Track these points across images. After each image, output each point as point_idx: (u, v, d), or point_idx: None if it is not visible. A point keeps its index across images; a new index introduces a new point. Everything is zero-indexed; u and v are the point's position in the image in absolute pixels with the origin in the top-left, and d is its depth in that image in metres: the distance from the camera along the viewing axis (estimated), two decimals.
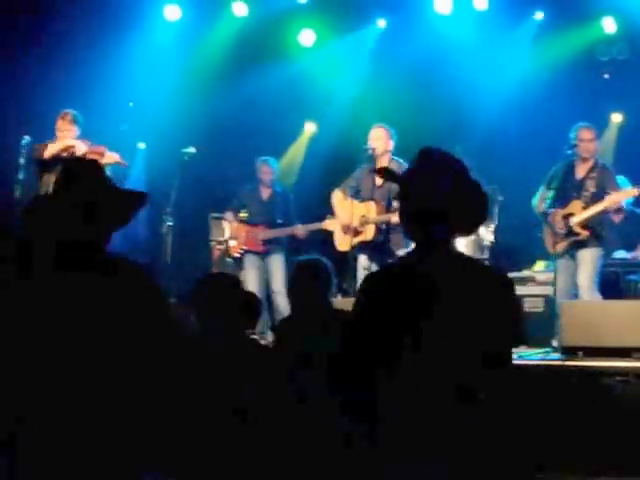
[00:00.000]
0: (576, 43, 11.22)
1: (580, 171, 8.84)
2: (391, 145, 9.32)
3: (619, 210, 8.95)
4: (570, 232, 8.64)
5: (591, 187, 8.70)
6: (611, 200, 8.46)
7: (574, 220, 8.61)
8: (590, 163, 8.82)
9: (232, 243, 10.35)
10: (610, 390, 6.66)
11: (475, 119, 11.00)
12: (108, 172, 4.36)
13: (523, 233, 9.88)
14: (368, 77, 11.73)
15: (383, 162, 9.23)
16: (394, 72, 11.39)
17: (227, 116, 11.70)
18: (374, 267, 9.00)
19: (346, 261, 9.27)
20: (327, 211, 9.73)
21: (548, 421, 6.57)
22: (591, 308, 8.00)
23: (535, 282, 9.72)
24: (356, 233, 9.28)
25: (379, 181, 9.24)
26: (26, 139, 8.83)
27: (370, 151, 9.19)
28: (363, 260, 9.30)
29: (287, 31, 11.87)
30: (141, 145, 12.17)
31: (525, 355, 7.99)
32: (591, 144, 8.80)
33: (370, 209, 9.28)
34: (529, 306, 9.55)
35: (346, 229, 9.36)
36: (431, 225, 3.51)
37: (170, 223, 9.60)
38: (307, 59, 12.02)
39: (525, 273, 9.88)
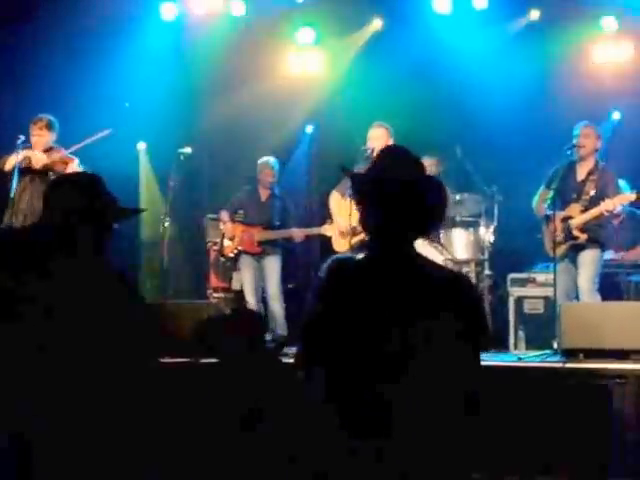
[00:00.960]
0: (575, 42, 11.17)
1: (580, 173, 8.78)
2: (391, 143, 9.24)
3: (616, 214, 8.87)
4: (569, 235, 8.59)
5: (591, 190, 8.64)
6: (607, 205, 8.41)
7: (573, 223, 8.57)
8: (590, 164, 8.75)
9: (227, 243, 10.27)
10: (610, 392, 6.61)
11: (475, 119, 10.92)
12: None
13: (523, 234, 9.84)
14: (367, 77, 11.65)
15: None
16: (393, 72, 11.29)
17: (226, 116, 11.65)
18: None
19: None
20: (327, 214, 9.68)
21: (548, 423, 6.53)
22: (591, 310, 7.97)
23: (535, 283, 9.69)
24: (355, 233, 9.22)
25: None
26: (21, 139, 8.75)
27: (369, 151, 9.12)
28: None
29: (285, 30, 11.79)
30: (141, 145, 12.14)
31: (525, 357, 7.97)
32: (586, 140, 8.71)
33: None
34: (529, 307, 9.55)
35: (343, 234, 9.32)
36: (379, 223, 3.45)
37: (167, 224, 9.56)
38: (306, 58, 11.96)
39: (525, 274, 9.82)
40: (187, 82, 11.64)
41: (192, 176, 11.28)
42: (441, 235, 9.70)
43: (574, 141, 8.73)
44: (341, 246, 9.44)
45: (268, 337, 8.99)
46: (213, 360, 5.31)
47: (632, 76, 10.96)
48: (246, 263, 10.19)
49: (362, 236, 9.21)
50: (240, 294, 10.21)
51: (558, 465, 6.44)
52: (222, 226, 10.31)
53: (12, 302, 3.60)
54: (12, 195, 8.51)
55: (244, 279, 10.12)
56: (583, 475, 6.37)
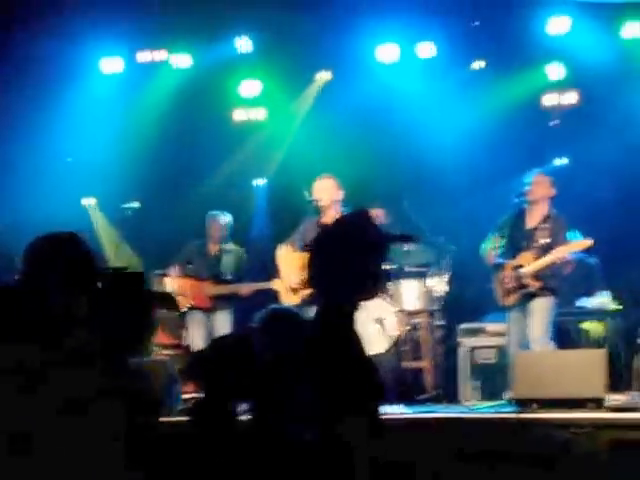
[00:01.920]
0: (522, 90, 11.24)
1: (531, 220, 8.75)
2: (340, 196, 9.19)
3: (568, 262, 8.81)
4: (520, 283, 8.53)
5: (541, 238, 8.61)
6: (559, 252, 8.39)
7: (524, 272, 8.51)
8: (541, 212, 8.72)
9: (178, 298, 10.07)
10: (566, 442, 6.52)
11: (423, 168, 10.96)
12: None
13: (474, 283, 9.79)
14: (314, 128, 11.64)
15: (330, 214, 9.13)
16: (341, 122, 11.30)
17: (174, 168, 11.61)
18: None
19: None
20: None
21: (504, 475, 6.41)
22: (544, 359, 7.93)
23: (486, 333, 9.61)
24: (304, 286, 9.11)
25: None
26: None
27: (316, 203, 9.06)
28: (311, 313, 9.10)
29: (231, 81, 11.75)
30: (89, 201, 11.98)
31: (478, 408, 7.88)
32: (537, 187, 8.69)
33: None
34: (481, 357, 9.44)
35: (292, 289, 9.22)
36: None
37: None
38: (253, 110, 11.94)
39: (476, 324, 9.75)
40: (134, 135, 11.54)
41: (139, 230, 11.13)
42: (390, 286, 9.62)
43: (525, 188, 8.71)
44: (292, 299, 9.31)
45: None
46: None
47: (578, 122, 10.98)
48: (195, 319, 10.01)
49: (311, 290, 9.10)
50: (189, 351, 10.02)
51: None
52: (171, 281, 10.14)
53: None
54: None
55: (193, 335, 9.93)
56: None
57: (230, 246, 10.24)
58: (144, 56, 11.56)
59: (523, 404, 7.39)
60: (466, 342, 9.61)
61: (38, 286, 3.57)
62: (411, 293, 9.63)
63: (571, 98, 11.18)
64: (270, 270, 9.66)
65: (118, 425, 3.36)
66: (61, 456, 3.26)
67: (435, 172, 10.86)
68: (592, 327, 9.58)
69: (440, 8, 10.33)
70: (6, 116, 10.46)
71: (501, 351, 9.16)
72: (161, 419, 3.86)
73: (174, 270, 10.12)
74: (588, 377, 7.34)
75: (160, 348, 10.54)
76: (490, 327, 9.61)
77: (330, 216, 9.07)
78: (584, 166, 10.80)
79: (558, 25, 10.54)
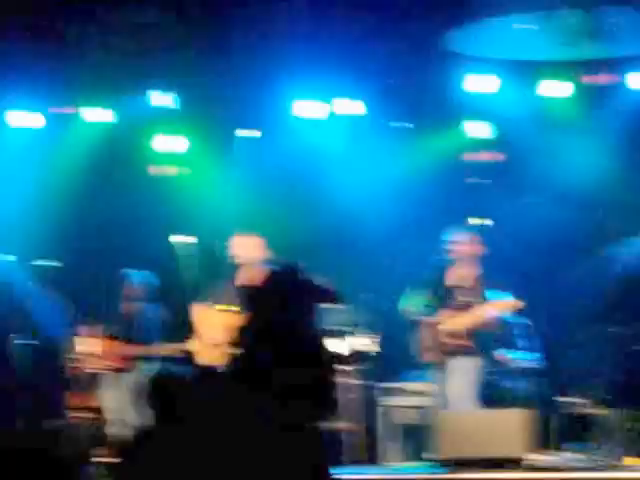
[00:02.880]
0: (443, 147, 11.26)
1: (452, 278, 8.71)
2: (261, 253, 9.11)
3: (490, 321, 8.75)
4: (441, 342, 8.45)
5: (462, 296, 8.57)
6: (479, 312, 8.35)
7: (444, 330, 8.44)
8: (464, 270, 8.69)
9: (89, 358, 9.85)
10: None
11: (346, 225, 10.91)
12: None
13: (394, 341, 9.69)
14: (236, 184, 11.54)
15: (250, 271, 9.05)
16: (263, 178, 11.25)
17: (96, 225, 11.39)
18: None
19: None
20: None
21: None
22: (466, 419, 7.89)
23: (407, 392, 9.51)
24: (222, 344, 8.99)
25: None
26: None
27: (235, 260, 8.97)
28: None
29: (151, 137, 11.60)
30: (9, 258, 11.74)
31: (399, 469, 7.80)
32: (460, 245, 8.67)
33: (236, 319, 8.98)
34: (402, 417, 9.36)
35: (209, 348, 9.05)
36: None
37: (24, 341, 9.17)
38: (175, 166, 11.81)
39: (396, 383, 9.64)
40: (52, 191, 11.32)
41: (58, 289, 10.93)
42: None
43: (447, 246, 8.68)
44: (209, 360, 9.15)
45: None
46: None
47: (502, 181, 11.02)
48: (109, 381, 9.79)
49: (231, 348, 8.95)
50: (102, 413, 9.79)
51: None
52: (84, 341, 9.91)
53: None
54: None
55: (106, 397, 9.72)
56: None
57: (145, 305, 10.06)
58: (61, 110, 11.39)
59: (444, 464, 7.35)
60: (385, 402, 9.51)
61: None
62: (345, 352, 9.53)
63: (492, 155, 11.22)
64: (187, 329, 9.50)
65: None
66: None
67: (357, 229, 10.84)
68: (516, 386, 9.53)
69: (362, 65, 10.34)
70: None
71: (422, 411, 9.05)
72: None
73: (87, 330, 9.92)
74: (508, 437, 7.34)
75: (72, 411, 10.29)
76: (410, 386, 9.53)
77: (249, 273, 9.00)
78: (506, 225, 10.81)
79: (478, 83, 10.60)
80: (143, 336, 9.84)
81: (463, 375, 8.39)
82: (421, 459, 8.06)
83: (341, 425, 9.36)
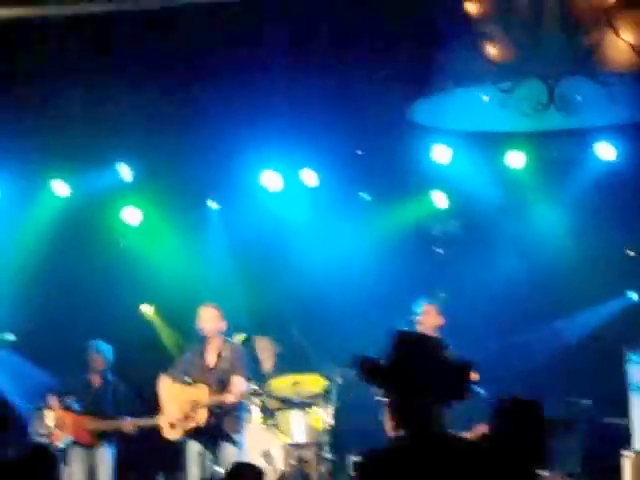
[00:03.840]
0: (407, 217, 11.28)
1: None
2: (223, 325, 9.08)
3: None
4: None
5: None
6: None
7: None
8: None
9: (56, 432, 9.60)
10: None
11: (311, 295, 10.88)
12: None
13: (364, 413, 9.56)
14: (200, 257, 11.50)
15: (214, 342, 9.08)
16: (226, 250, 11.30)
17: (56, 297, 11.27)
18: (208, 453, 8.65)
19: (175, 452, 8.85)
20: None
21: None
22: None
23: None
24: (186, 418, 8.85)
25: (211, 362, 8.99)
26: None
27: (200, 331, 8.92)
28: (195, 447, 8.88)
29: (112, 210, 11.52)
30: None
31: None
32: (426, 317, 8.70)
33: (202, 392, 8.89)
34: None
35: (173, 424, 8.94)
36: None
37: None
38: (135, 238, 11.69)
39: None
40: (16, 261, 11.26)
41: (17, 364, 10.75)
42: (278, 418, 9.37)
43: (414, 317, 8.68)
44: (172, 433, 9.01)
45: None
46: None
47: (464, 251, 11.02)
48: (76, 455, 9.63)
49: (194, 422, 8.83)
50: None
51: None
52: (49, 415, 9.69)
53: None
54: None
55: (73, 474, 9.55)
56: None
57: (113, 378, 9.92)
58: (22, 182, 11.28)
59: None
60: None
61: None
62: (299, 424, 9.43)
63: (456, 226, 11.21)
64: (154, 403, 9.37)
65: None
66: None
67: (322, 300, 10.79)
68: None
69: (324, 136, 10.33)
70: None
71: None
72: None
73: (53, 401, 9.68)
74: None
75: None
76: None
77: (213, 344, 8.98)
78: (467, 296, 10.79)
79: (442, 154, 10.57)
80: (110, 410, 9.70)
81: None
82: None
83: None
